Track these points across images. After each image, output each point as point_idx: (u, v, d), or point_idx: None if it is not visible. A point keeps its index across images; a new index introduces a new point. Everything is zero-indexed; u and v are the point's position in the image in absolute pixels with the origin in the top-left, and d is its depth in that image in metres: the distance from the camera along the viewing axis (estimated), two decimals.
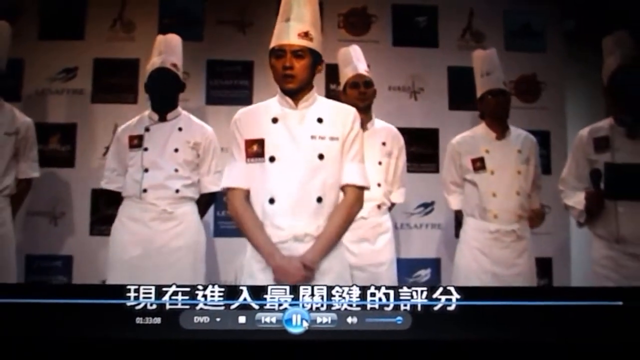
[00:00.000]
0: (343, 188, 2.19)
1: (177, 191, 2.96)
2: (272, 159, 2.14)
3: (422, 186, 3.96)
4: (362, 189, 2.20)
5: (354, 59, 3.12)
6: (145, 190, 2.93)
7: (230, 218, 3.85)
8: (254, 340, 1.84)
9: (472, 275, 3.00)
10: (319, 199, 2.12)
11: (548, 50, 4.18)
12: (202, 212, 3.11)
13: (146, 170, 2.95)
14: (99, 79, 4.05)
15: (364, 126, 3.00)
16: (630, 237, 2.61)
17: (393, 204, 3.15)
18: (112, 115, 3.95)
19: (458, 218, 3.25)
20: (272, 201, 2.12)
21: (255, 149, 2.16)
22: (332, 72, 3.51)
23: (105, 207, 3.76)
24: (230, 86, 4.02)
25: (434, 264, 4.02)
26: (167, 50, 3.11)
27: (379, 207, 3.02)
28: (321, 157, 2.14)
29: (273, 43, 2.18)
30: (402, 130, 3.32)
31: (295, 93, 2.18)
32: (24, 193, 3.25)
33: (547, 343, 1.83)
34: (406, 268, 3.96)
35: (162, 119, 3.07)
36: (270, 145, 2.15)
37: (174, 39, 3.17)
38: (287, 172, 2.12)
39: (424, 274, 4.01)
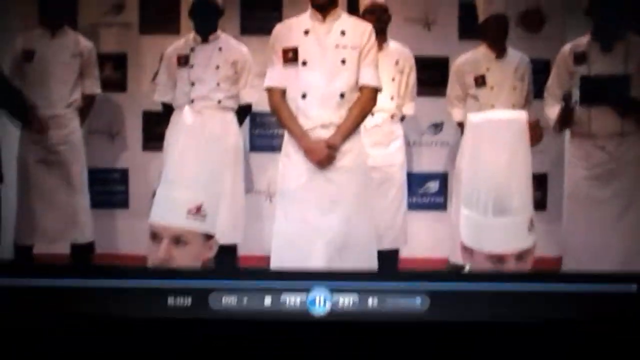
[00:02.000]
0: (360, 88, 2.71)
1: (219, 102, 3.48)
2: (304, 63, 2.66)
3: (434, 108, 4.40)
4: (375, 89, 2.72)
5: None
6: (192, 101, 3.46)
7: (262, 136, 4.48)
8: (278, 320, 1.84)
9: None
10: (342, 95, 2.65)
11: None
12: (241, 121, 3.64)
13: (193, 84, 3.48)
14: (145, 13, 4.55)
15: (380, 46, 3.49)
16: (599, 132, 3.12)
17: (404, 116, 3.65)
18: (157, 45, 4.39)
19: (461, 128, 3.74)
20: (304, 96, 2.65)
21: (291, 56, 2.67)
22: (353, 2, 3.96)
23: (155, 125, 4.35)
24: (261, 18, 4.47)
25: (442, 178, 4.52)
26: None
27: (392, 117, 3.53)
28: (343, 62, 2.66)
29: None
30: (416, 58, 3.79)
31: (324, 8, 2.67)
32: (89, 107, 3.82)
33: (562, 325, 1.80)
34: (417, 180, 4.49)
35: (205, 40, 3.57)
36: (303, 52, 2.67)
37: None
38: (316, 74, 2.65)
39: (433, 185, 4.53)
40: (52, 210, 3.64)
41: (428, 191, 4.53)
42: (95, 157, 4.36)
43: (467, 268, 1.71)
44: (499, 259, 1.57)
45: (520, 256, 1.57)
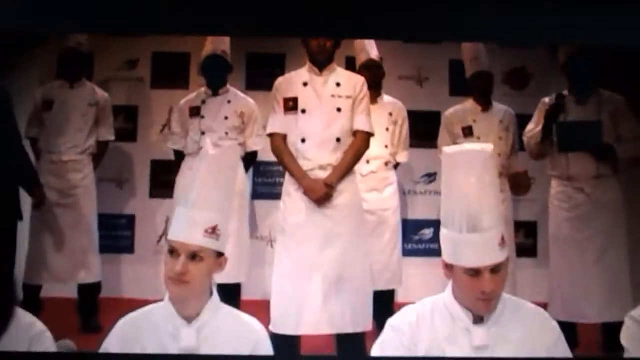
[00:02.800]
0: (354, 133, 2.96)
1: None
2: (303, 111, 2.94)
3: (427, 159, 4.66)
4: (368, 134, 2.97)
5: (367, 47, 3.88)
6: (201, 148, 3.70)
7: (265, 184, 4.72)
8: None
9: None
10: (338, 139, 2.91)
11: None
12: (247, 167, 3.89)
13: (203, 133, 3.74)
14: (157, 69, 4.87)
15: (375, 100, 3.78)
16: (577, 175, 3.36)
17: (398, 164, 3.90)
18: (167, 98, 4.72)
19: None
20: (303, 141, 2.91)
21: (291, 105, 2.95)
22: (351, 62, 4.27)
23: (162, 174, 4.61)
24: (265, 75, 4.77)
25: (436, 225, 4.64)
26: (218, 40, 3.89)
27: (386, 164, 3.78)
28: (339, 110, 2.93)
29: None
30: (410, 113, 4.07)
31: (322, 63, 2.96)
32: (103, 153, 4.07)
33: None
34: (413, 227, 4.71)
35: (215, 94, 3.85)
36: (302, 102, 2.94)
37: None
38: (314, 121, 2.91)
39: (427, 232, 4.74)
40: (62, 250, 3.82)
41: (423, 238, 4.74)
42: (104, 204, 4.58)
43: None
44: (476, 272, 1.74)
45: (495, 270, 1.74)
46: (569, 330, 3.38)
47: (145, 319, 1.79)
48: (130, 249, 4.76)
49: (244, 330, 1.81)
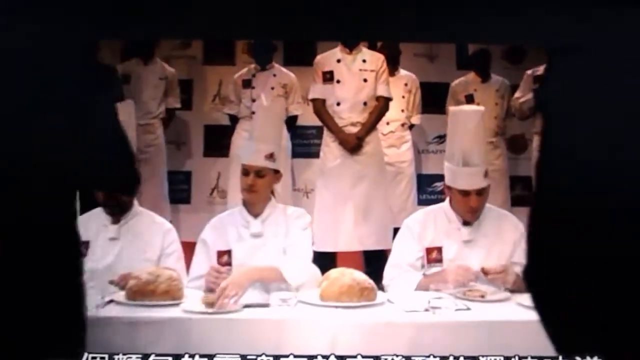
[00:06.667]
0: (377, 98, 3.86)
1: None
2: (338, 82, 3.83)
3: (438, 123, 5.44)
4: (387, 99, 3.86)
5: None
6: (253, 112, 4.57)
7: (301, 145, 5.59)
8: None
9: None
10: (365, 103, 3.82)
11: None
12: (288, 128, 4.76)
13: (253, 100, 4.61)
14: (208, 47, 5.72)
15: (393, 73, 4.63)
16: None
17: (412, 125, 4.77)
18: (217, 73, 5.60)
19: None
20: (338, 104, 3.82)
21: (328, 77, 3.85)
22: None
23: (214, 137, 5.51)
24: (300, 52, 5.55)
25: None
26: None
27: (402, 125, 4.65)
28: (365, 80, 3.83)
29: None
30: (423, 84, 4.90)
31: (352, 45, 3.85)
32: (171, 118, 4.99)
33: None
34: (426, 181, 5.56)
35: (263, 69, 4.72)
36: (337, 74, 3.84)
37: None
38: (347, 89, 3.82)
39: (439, 185, 5.58)
40: (140, 199, 4.73)
41: (435, 189, 5.59)
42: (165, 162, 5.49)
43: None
44: (466, 193, 2.50)
45: (479, 192, 2.50)
46: None
47: (228, 217, 2.69)
48: (187, 199, 5.67)
49: (294, 219, 2.64)
